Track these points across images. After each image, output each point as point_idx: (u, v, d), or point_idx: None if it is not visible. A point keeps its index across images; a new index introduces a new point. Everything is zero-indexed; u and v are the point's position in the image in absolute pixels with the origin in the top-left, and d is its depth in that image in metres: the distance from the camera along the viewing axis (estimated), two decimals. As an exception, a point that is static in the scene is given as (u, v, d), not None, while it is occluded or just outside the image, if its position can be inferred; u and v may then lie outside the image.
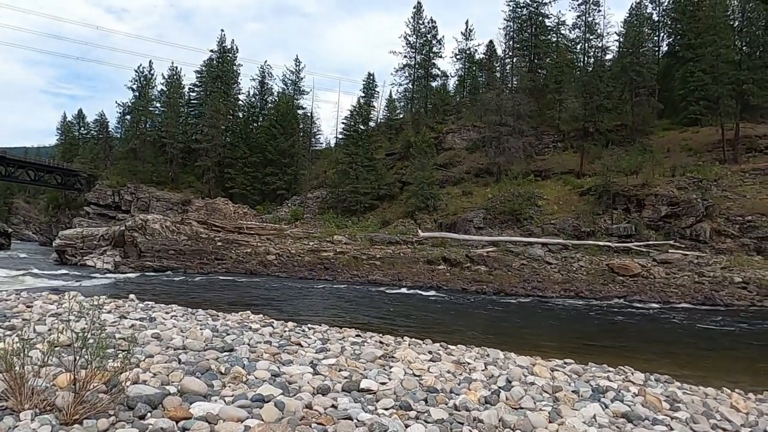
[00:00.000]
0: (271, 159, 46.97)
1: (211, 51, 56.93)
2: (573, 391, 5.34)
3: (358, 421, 3.78)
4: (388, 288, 20.58)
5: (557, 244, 27.72)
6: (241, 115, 57.40)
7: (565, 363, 7.17)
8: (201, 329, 6.56)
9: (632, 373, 6.81)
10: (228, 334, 6.48)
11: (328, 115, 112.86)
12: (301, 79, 59.21)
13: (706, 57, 36.93)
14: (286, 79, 59.43)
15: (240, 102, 58.50)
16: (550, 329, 13.28)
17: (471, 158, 42.54)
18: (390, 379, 4.97)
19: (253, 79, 60.85)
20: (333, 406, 4.08)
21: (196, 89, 56.91)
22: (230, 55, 57.20)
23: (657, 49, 51.77)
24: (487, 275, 23.02)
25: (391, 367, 5.51)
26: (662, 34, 52.67)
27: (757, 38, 38.99)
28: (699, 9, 43.69)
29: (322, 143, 66.43)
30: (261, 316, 8.62)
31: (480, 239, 28.84)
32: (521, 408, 4.63)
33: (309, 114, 58.87)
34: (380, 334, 8.22)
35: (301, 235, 31.38)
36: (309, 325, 8.54)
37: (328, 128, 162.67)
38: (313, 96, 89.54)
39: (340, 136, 54.73)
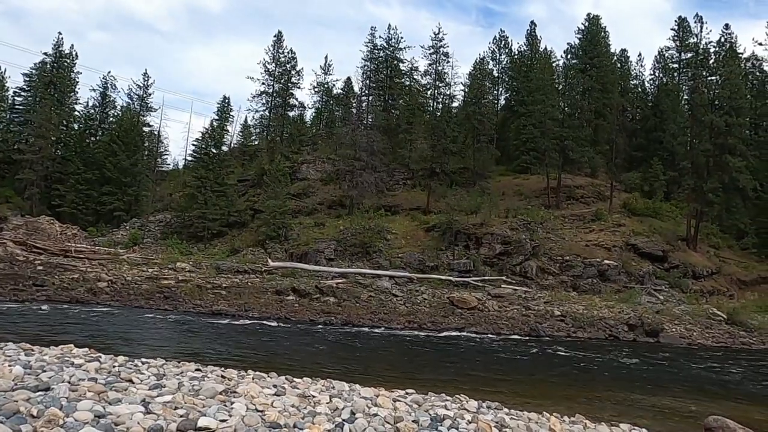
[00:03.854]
0: (110, 177, 43.16)
1: (45, 54, 51.45)
2: (413, 421, 5.51)
3: (194, 462, 3.53)
4: (233, 319, 19.76)
5: (403, 277, 28.83)
6: (76, 126, 52.27)
7: (407, 393, 7.40)
8: (10, 366, 5.71)
9: (467, 401, 7.20)
10: (44, 371, 5.72)
11: (178, 135, 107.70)
12: (150, 94, 55.80)
13: (535, 113, 41.65)
14: (132, 94, 55.47)
15: (76, 113, 53.34)
16: (394, 360, 13.66)
17: (325, 190, 43.02)
18: (231, 416, 4.73)
19: (94, 90, 55.86)
20: (166, 447, 3.77)
21: (23, 93, 50.87)
22: (68, 60, 52.23)
23: (496, 101, 57.25)
24: (336, 306, 23.14)
25: (232, 403, 5.25)
26: (501, 89, 58.54)
27: (576, 101, 44.88)
28: (531, 71, 49.42)
29: (169, 164, 62.86)
30: (86, 349, 7.76)
31: (330, 270, 29.02)
32: (364, 440, 4.67)
33: (156, 132, 55.46)
34: (223, 368, 7.82)
35: (139, 260, 29.09)
36: (143, 359, 7.86)
37: (177, 149, 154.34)
38: (161, 114, 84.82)
39: (189, 159, 52.25)
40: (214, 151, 42.83)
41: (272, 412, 5.07)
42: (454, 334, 20.15)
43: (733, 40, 49.26)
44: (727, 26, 49.55)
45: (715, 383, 13.24)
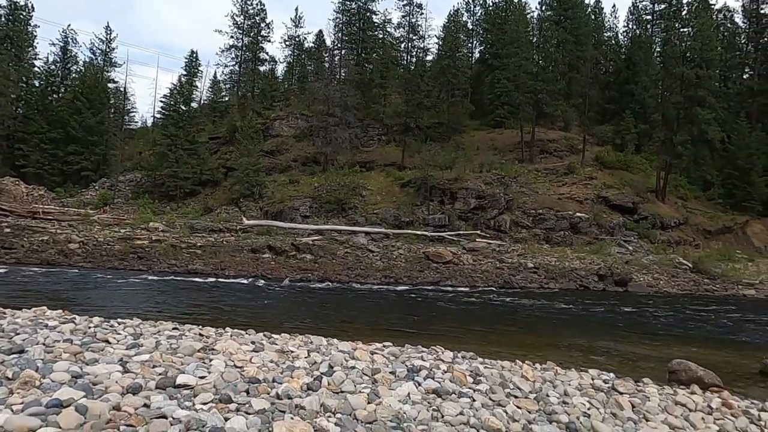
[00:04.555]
0: (75, 136, 41.91)
1: (-1, 6, 48.87)
2: (390, 372, 5.65)
3: (174, 418, 3.58)
4: (209, 277, 19.73)
5: (379, 232, 29.01)
6: (37, 83, 50.26)
7: (384, 346, 7.54)
8: (-19, 329, 5.65)
9: (442, 352, 7.39)
10: (17, 334, 5.67)
11: (145, 92, 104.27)
12: (113, 49, 53.95)
13: (510, 67, 41.38)
14: (94, 48, 53.45)
15: (36, 69, 51.18)
16: (371, 314, 13.86)
17: (298, 146, 42.54)
18: (210, 373, 4.78)
19: (54, 44, 53.47)
20: (145, 405, 3.81)
21: (-23, 49, 48.44)
22: (23, 13, 49.73)
23: (471, 55, 56.61)
24: (313, 263, 23.23)
25: (211, 360, 5.30)
26: (475, 42, 57.82)
27: (550, 54, 44.65)
28: (505, 23, 48.78)
29: (137, 122, 61.39)
30: (60, 311, 7.69)
31: (306, 228, 29.00)
32: (342, 392, 4.78)
33: (122, 89, 53.70)
34: (200, 326, 7.84)
35: (110, 221, 28.62)
36: (119, 320, 7.84)
37: (145, 106, 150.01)
38: (126, 70, 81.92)
39: (158, 116, 50.87)
40: (184, 108, 41.76)
41: (251, 368, 5.13)
42: (429, 287, 20.49)
43: (706, -9, 49.12)
44: (700, -23, 49.30)
45: (679, 329, 13.80)
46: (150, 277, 18.90)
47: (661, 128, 38.47)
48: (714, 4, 48.33)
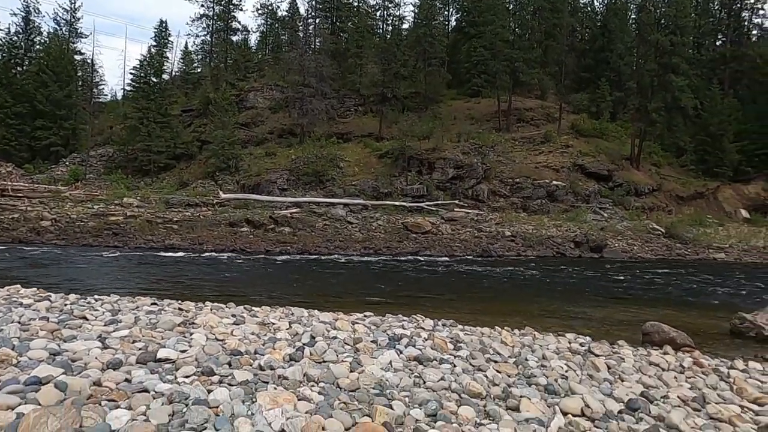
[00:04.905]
0: (42, 110, 40.58)
1: (-45, -26, 46.53)
2: (372, 341, 5.70)
3: (156, 392, 3.57)
4: (187, 252, 19.56)
5: (358, 204, 28.97)
6: (0, 56, 48.37)
7: (365, 316, 7.60)
8: (-47, 309, 5.53)
9: (423, 321, 7.47)
10: (-9, 313, 5.56)
11: (114, 64, 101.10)
12: (78, 19, 51.97)
13: (486, 35, 41.10)
14: (58, 18, 51.45)
15: (-2, 40, 49.15)
16: (351, 286, 13.93)
17: (274, 118, 41.91)
18: (191, 346, 4.76)
19: (15, 14, 51.41)
20: (126, 380, 3.79)
21: (-66, 20, 46.29)
22: (-18, -18, 47.45)
23: (447, 23, 55.99)
24: (291, 236, 23.17)
25: (192, 334, 5.28)
26: (451, 10, 57.14)
27: (526, 21, 44.41)
28: (482, -10, 48.12)
29: (106, 95, 59.72)
30: (34, 289, 7.56)
31: (284, 200, 28.82)
32: (324, 361, 4.81)
33: (89, 61, 52.00)
34: (179, 301, 7.79)
35: (83, 197, 28.04)
36: (96, 297, 7.74)
37: (114, 79, 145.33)
38: (93, 40, 79.35)
39: (128, 88, 49.54)
40: (155, 79, 40.69)
41: (232, 341, 5.13)
42: (409, 258, 20.63)
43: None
44: (675, -58, 49.18)
45: (652, 292, 14.17)
46: (126, 254, 18.66)
47: (636, 96, 38.79)
48: (688, -30, 48.43)
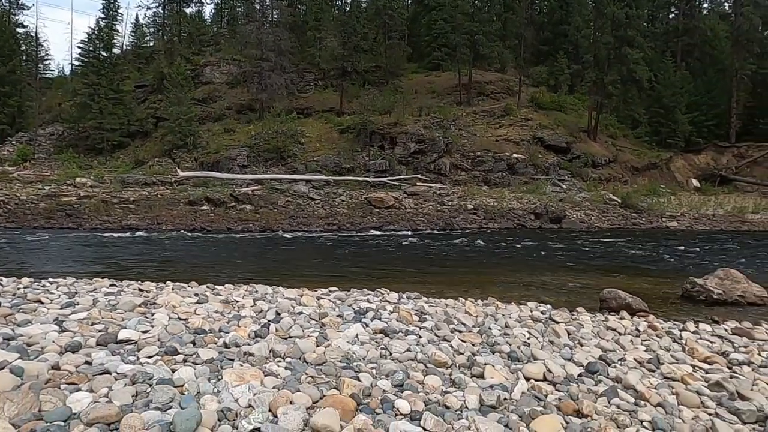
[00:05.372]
0: (-16, 87, 38.58)
1: None
2: (338, 316, 5.71)
3: (118, 373, 3.50)
4: (146, 232, 19.12)
5: (320, 180, 28.76)
6: (-64, 29, 45.50)
7: (330, 291, 7.61)
8: None
9: (388, 294, 7.53)
10: (-63, 299, 5.33)
11: (60, 38, 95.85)
12: (19, -11, 49.08)
13: (446, 7, 40.87)
14: (-3, -11, 48.59)
15: (-69, 13, 46.23)
16: (316, 262, 13.89)
17: (232, 94, 40.93)
18: (153, 326, 4.67)
19: (-50, -15, 48.31)
20: (87, 362, 3.71)
21: None
22: None
23: (407, -5, 55.32)
24: (253, 214, 22.89)
25: (153, 314, 5.18)
26: (411, -19, 56.43)
27: (486, -6, 44.25)
28: (441, -39, 47.63)
29: (53, 70, 57.13)
30: (-16, 274, 7.28)
31: (244, 178, 28.36)
32: (291, 337, 4.80)
33: (33, 34, 49.46)
34: (139, 282, 7.63)
35: (33, 178, 26.97)
36: (50, 279, 7.50)
37: (61, 53, 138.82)
38: (36, 12, 75.35)
39: (76, 64, 47.36)
40: (105, 54, 38.95)
41: (196, 320, 5.06)
42: (373, 233, 20.68)
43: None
44: None
45: (609, 260, 14.62)
46: (81, 235, 18.11)
47: (593, 69, 39.38)
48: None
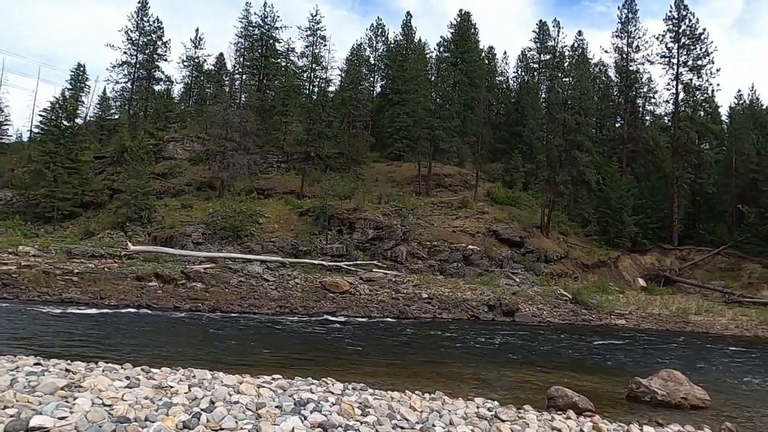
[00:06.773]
0: (-66, 148, 37.46)
1: None
2: (276, 407, 5.45)
3: (21, 467, 3.19)
4: (87, 308, 18.20)
5: (275, 261, 28.37)
6: None
7: (273, 379, 7.30)
8: None
9: (333, 384, 7.28)
10: None
11: (22, 104, 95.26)
12: (-14, 55, 49.07)
13: (409, 102, 42.86)
14: (-37, 53, 48.44)
15: None
16: (263, 346, 13.41)
17: (193, 170, 40.90)
18: (72, 412, 4.34)
19: None
20: (-13, 453, 3.37)
21: None
22: None
23: (372, 88, 57.95)
24: (203, 292, 22.20)
25: (75, 398, 4.82)
26: (377, 76, 59.35)
27: (447, 93, 46.75)
28: (406, 60, 50.66)
29: (11, 136, 56.02)
30: None
31: (198, 255, 27.74)
32: (222, 429, 4.53)
33: (-5, 99, 48.99)
34: (68, 361, 7.16)
35: (-29, 244, 25.71)
36: (-32, 355, 6.97)
37: (21, 120, 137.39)
38: (1, 78, 75.06)
39: (35, 131, 46.77)
40: (66, 123, 38.72)
41: (122, 406, 4.74)
42: (326, 318, 20.26)
43: (584, 46, 54.44)
44: (579, 33, 54.62)
45: (559, 356, 14.65)
46: (15, 306, 17.09)
47: (546, 168, 41.39)
48: (591, 59, 53.46)
